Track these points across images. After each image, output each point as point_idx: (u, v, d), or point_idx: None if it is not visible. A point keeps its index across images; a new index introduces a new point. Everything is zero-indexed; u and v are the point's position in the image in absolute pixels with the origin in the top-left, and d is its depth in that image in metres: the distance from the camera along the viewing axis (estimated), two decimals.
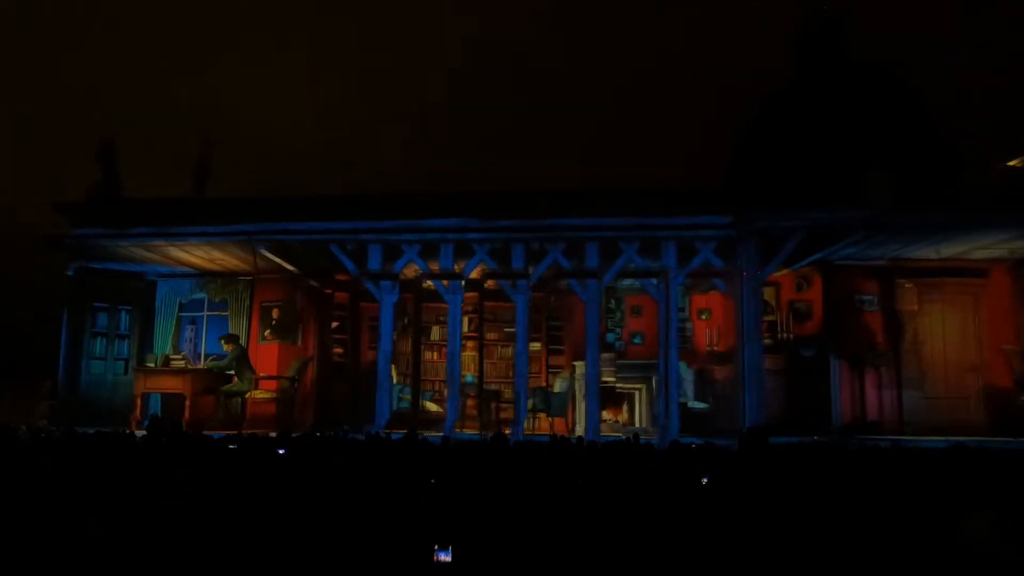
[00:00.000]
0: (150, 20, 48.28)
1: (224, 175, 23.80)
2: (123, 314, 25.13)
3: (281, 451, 9.19)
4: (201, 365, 23.67)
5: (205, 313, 25.98)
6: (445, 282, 21.22)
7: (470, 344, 25.87)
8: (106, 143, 21.34)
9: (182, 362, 22.83)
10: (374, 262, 21.03)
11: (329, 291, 25.67)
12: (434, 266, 21.27)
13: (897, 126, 18.65)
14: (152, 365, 23.25)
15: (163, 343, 24.87)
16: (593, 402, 19.01)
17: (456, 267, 21.05)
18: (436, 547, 4.68)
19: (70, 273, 22.97)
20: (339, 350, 25.58)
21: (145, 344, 25.01)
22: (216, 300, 25.31)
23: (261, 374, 23.03)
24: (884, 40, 28.98)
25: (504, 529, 5.25)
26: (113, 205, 21.65)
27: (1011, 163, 17.74)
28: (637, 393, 22.87)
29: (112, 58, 46.34)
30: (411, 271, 22.31)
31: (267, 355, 23.98)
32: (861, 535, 4.87)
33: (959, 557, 4.08)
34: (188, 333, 26.22)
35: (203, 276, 25.21)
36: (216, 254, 22.82)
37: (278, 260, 22.28)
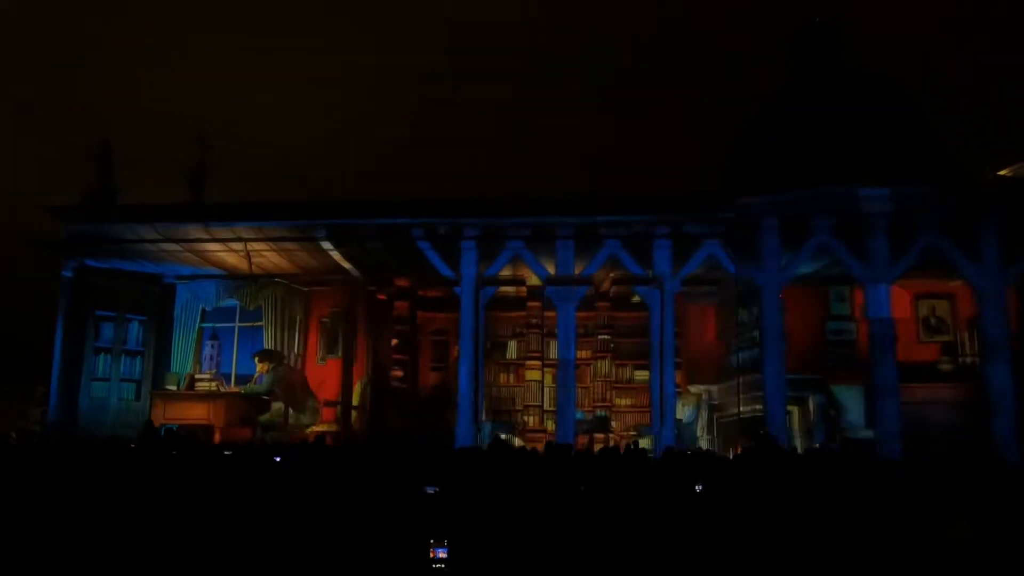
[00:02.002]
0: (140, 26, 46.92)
1: (218, 181, 22.06)
2: (134, 325, 20.28)
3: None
4: (235, 388, 19.03)
5: (236, 324, 21.29)
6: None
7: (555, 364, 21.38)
8: (103, 144, 19.63)
9: (211, 384, 18.16)
10: (469, 264, 16.75)
11: (383, 297, 21.13)
12: (538, 267, 17.40)
13: (893, 132, 17.59)
14: (174, 388, 18.53)
15: (183, 360, 20.12)
16: None
17: (576, 268, 17.32)
18: (432, 543, 4.71)
19: (67, 274, 18.21)
20: (398, 372, 20.79)
21: (161, 362, 20.17)
22: (250, 308, 20.57)
23: (325, 400, 18.53)
24: (882, 45, 29.71)
25: (505, 529, 5.31)
26: (120, 207, 18.86)
27: (1003, 172, 17.26)
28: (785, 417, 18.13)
29: (109, 63, 45.07)
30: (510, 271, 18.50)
31: (324, 377, 19.45)
32: (856, 536, 4.96)
33: (946, 557, 4.18)
34: (209, 350, 21.46)
35: (234, 279, 20.47)
36: (261, 248, 18.06)
37: (339, 258, 17.98)
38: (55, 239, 18.58)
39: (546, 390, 20.46)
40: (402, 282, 20.80)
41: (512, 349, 21.90)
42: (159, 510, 5.46)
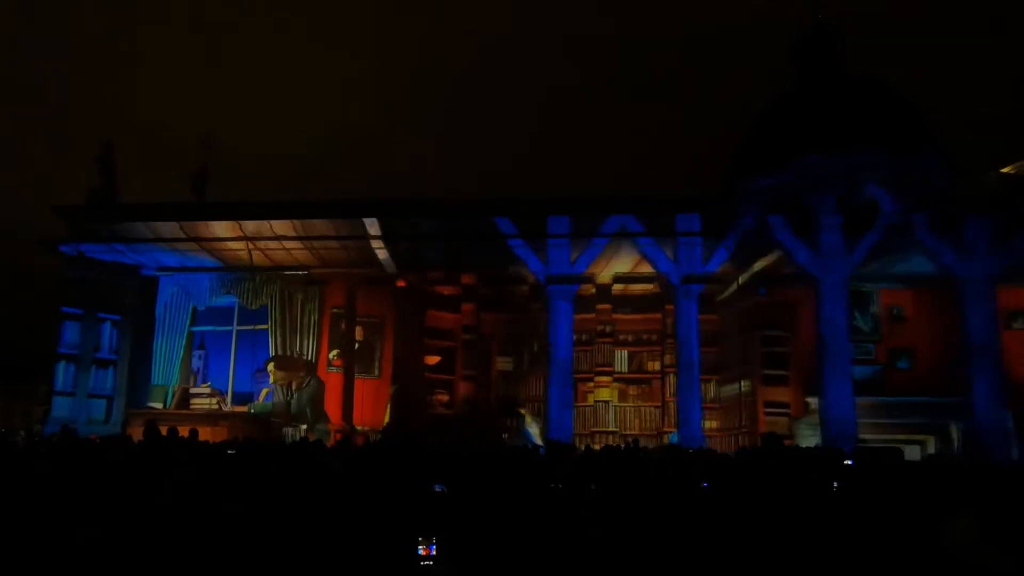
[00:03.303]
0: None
1: (220, 181, 21.99)
2: (106, 326, 16.19)
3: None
4: (239, 407, 15.15)
5: (235, 327, 17.36)
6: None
7: (604, 382, 17.90)
8: (106, 145, 18.65)
9: (211, 401, 14.29)
10: (560, 260, 13.65)
11: (418, 299, 17.47)
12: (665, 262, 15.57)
13: (893, 133, 17.20)
14: (159, 406, 14.57)
15: (167, 371, 16.10)
16: None
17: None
18: (421, 540, 4.60)
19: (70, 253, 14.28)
20: (443, 396, 17.09)
21: (139, 372, 16.15)
22: (253, 307, 16.68)
23: (335, 426, 14.70)
24: (881, 49, 32.47)
25: (495, 527, 5.21)
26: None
27: (1005, 170, 16.97)
28: (915, 448, 15.11)
29: (107, 65, 48.23)
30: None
31: (339, 392, 15.67)
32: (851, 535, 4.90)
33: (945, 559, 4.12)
34: (196, 361, 17.56)
35: (232, 271, 16.59)
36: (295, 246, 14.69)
37: (379, 247, 14.75)
38: (55, 238, 17.03)
39: (619, 411, 17.00)
40: (449, 289, 17.21)
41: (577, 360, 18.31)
42: (159, 511, 5.36)
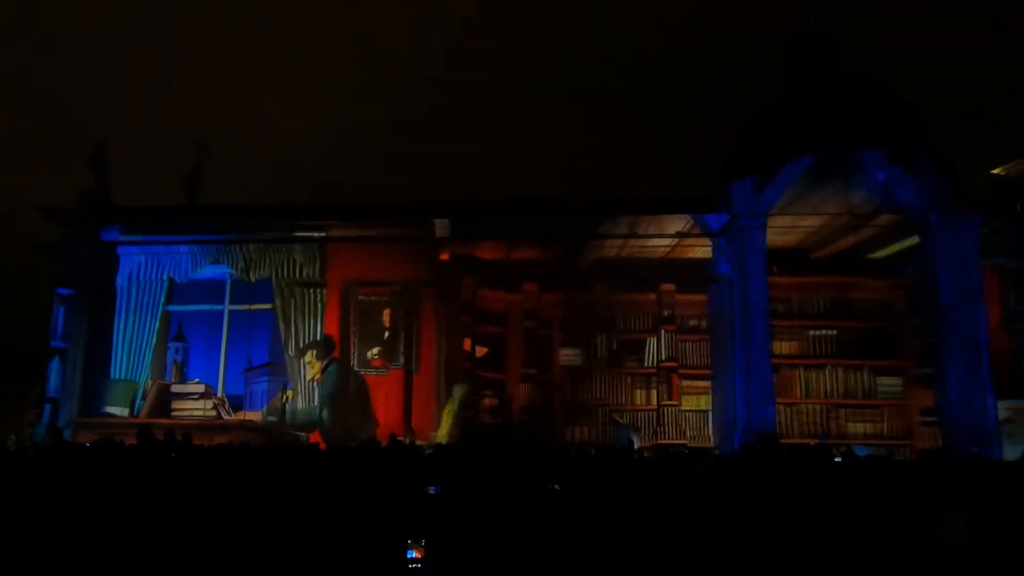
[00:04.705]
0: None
1: (212, 185, 20.59)
2: (58, 308, 12.14)
3: None
4: (248, 415, 11.28)
5: (226, 307, 13.26)
6: None
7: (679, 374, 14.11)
8: (99, 146, 17.72)
9: (206, 405, 10.36)
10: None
11: (466, 268, 13.76)
12: None
13: (887, 135, 16.84)
14: (122, 412, 10.58)
15: (137, 363, 12.01)
16: None
17: None
18: (409, 543, 4.57)
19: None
20: (491, 400, 13.35)
21: (95, 368, 12.09)
22: (251, 279, 12.70)
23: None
24: (877, 50, 30.40)
25: (484, 529, 5.16)
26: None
27: (995, 171, 16.86)
28: None
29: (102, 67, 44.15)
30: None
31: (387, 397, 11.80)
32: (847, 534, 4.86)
33: (939, 556, 4.13)
34: (172, 355, 13.67)
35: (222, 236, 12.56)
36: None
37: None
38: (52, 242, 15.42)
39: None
40: (487, 251, 13.54)
41: (658, 352, 14.64)
42: (158, 513, 5.22)
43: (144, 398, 11.33)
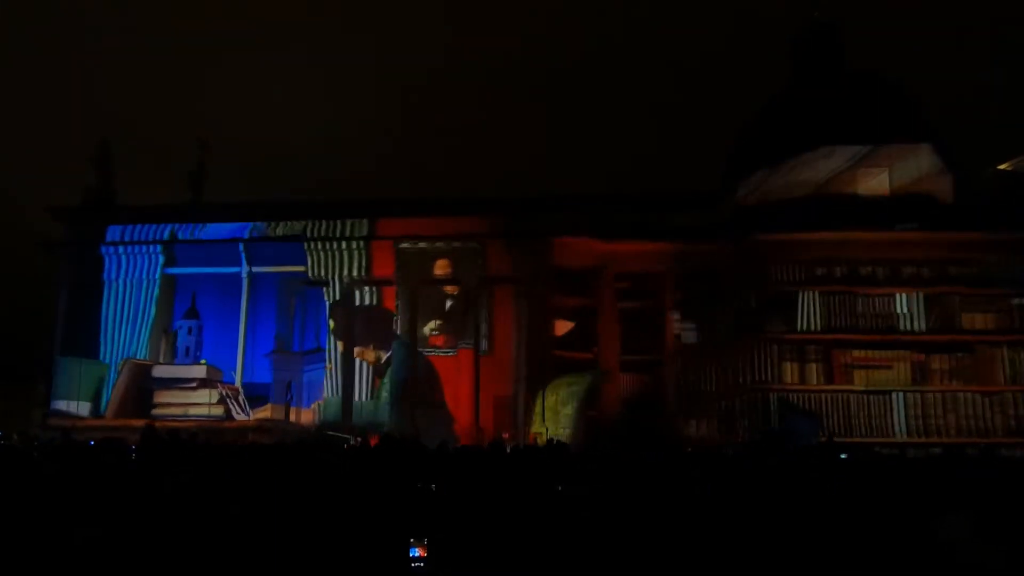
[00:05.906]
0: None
1: (217, 181, 22.02)
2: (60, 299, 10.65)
3: None
4: (268, 411, 8.89)
5: (244, 269, 10.47)
6: None
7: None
8: (102, 145, 18.86)
9: (210, 398, 8.39)
10: None
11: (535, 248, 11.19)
12: None
13: (891, 129, 17.62)
14: (77, 409, 9.08)
15: (128, 340, 9.61)
16: None
17: None
18: (412, 541, 4.67)
19: None
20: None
21: (75, 341, 9.71)
22: (277, 233, 10.15)
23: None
24: (881, 45, 33.47)
25: (484, 527, 5.29)
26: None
27: (1002, 166, 17.52)
28: None
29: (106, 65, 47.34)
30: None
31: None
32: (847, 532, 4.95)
33: (940, 555, 4.24)
34: (187, 337, 11.42)
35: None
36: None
37: None
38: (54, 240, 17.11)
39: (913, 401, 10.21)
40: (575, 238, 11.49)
41: (815, 313, 11.83)
42: (158, 513, 5.32)
43: (112, 391, 8.72)
